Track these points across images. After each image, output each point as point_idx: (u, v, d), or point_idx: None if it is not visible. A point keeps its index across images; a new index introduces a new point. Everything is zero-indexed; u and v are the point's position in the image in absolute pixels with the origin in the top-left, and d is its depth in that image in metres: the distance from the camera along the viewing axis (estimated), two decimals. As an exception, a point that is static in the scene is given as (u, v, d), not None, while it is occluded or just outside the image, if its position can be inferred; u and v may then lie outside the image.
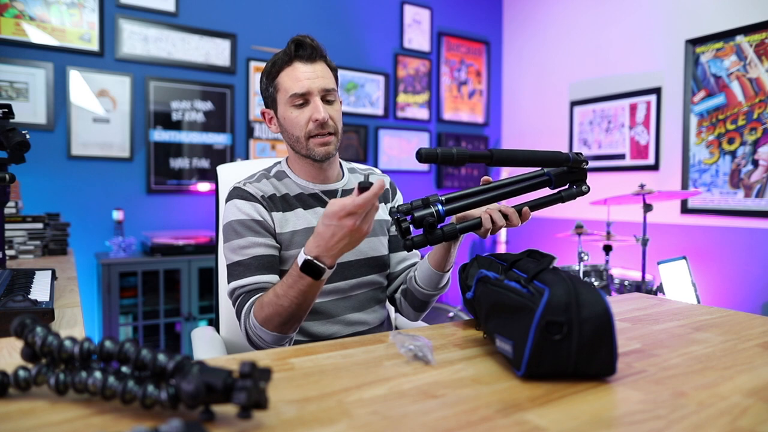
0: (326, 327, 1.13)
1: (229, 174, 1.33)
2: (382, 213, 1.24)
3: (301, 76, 1.07)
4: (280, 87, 1.10)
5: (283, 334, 0.98)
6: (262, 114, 1.18)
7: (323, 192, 1.16)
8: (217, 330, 1.34)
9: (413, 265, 1.24)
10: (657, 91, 3.15)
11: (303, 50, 1.08)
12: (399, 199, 1.31)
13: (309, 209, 1.14)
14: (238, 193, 1.11)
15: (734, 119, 2.79)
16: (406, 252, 1.23)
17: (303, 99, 1.08)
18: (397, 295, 1.23)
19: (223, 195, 1.25)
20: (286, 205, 1.12)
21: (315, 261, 0.89)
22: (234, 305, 1.06)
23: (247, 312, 1.01)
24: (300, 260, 0.90)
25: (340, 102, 1.16)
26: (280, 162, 1.21)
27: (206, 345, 1.24)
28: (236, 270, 1.05)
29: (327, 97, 1.10)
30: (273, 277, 1.05)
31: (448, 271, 1.12)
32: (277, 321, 0.96)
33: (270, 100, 1.14)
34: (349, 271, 1.14)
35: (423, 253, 1.21)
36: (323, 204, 1.15)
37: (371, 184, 0.83)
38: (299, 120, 1.09)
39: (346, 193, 1.19)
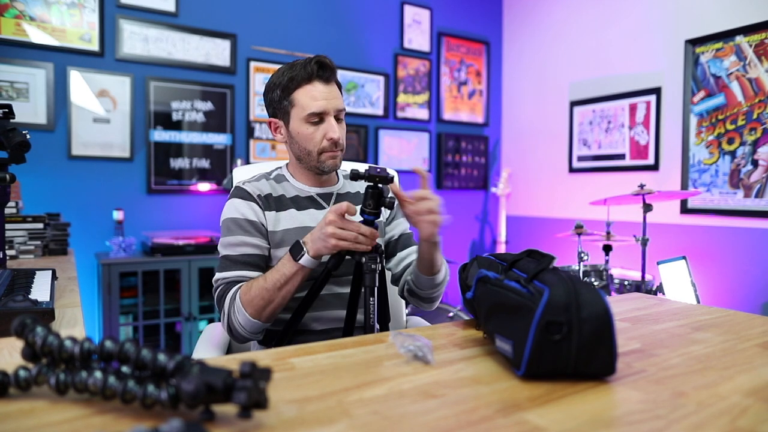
0: (324, 313, 1.17)
1: (244, 176, 1.38)
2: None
3: (319, 95, 1.13)
4: (296, 103, 1.14)
5: (259, 321, 1.05)
6: (269, 123, 1.22)
7: (318, 195, 1.22)
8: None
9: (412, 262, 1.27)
10: (657, 91, 3.15)
11: (323, 71, 1.14)
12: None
13: (303, 210, 1.19)
14: (237, 192, 1.18)
15: (734, 119, 2.79)
16: (403, 251, 1.28)
17: (319, 117, 1.13)
18: (405, 294, 1.26)
19: None
20: (280, 205, 1.18)
21: (301, 242, 1.01)
22: (214, 294, 1.14)
23: (232, 297, 1.08)
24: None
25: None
26: (280, 167, 1.28)
27: (213, 342, 1.27)
28: (224, 263, 1.13)
29: (339, 116, 1.17)
30: (255, 273, 1.11)
31: (437, 272, 1.15)
32: (259, 304, 1.03)
33: (282, 112, 1.18)
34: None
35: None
36: (317, 206, 1.21)
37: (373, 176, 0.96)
38: (315, 136, 1.14)
39: (340, 197, 1.24)
